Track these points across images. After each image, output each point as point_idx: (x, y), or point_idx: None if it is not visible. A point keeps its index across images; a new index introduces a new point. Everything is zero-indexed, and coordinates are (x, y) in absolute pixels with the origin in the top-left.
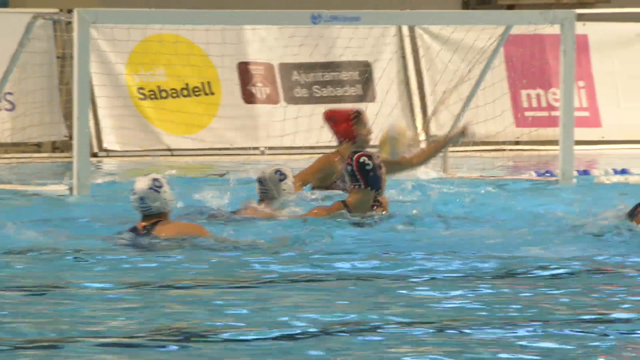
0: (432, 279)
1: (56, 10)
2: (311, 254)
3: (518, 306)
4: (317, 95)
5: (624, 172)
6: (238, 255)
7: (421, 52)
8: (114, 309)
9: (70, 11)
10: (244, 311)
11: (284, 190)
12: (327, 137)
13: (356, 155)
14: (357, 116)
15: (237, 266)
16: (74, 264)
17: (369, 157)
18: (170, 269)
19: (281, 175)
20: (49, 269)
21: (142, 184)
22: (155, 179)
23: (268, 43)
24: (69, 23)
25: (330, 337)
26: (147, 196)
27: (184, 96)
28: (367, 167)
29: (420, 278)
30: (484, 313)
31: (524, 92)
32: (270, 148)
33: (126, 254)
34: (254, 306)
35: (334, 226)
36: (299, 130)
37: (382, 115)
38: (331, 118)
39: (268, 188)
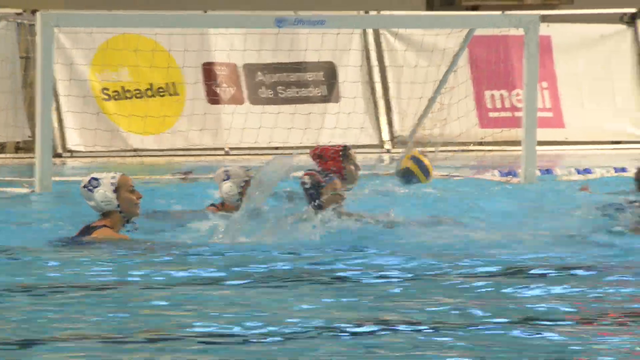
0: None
1: (20, 10)
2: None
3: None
4: (282, 95)
5: (587, 171)
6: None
7: (385, 52)
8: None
9: (34, 12)
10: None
11: (223, 191)
12: (291, 138)
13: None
14: (345, 152)
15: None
16: (27, 263)
17: (309, 176)
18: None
19: (224, 176)
20: (5, 269)
21: (83, 182)
22: (93, 178)
23: (233, 44)
24: (32, 25)
25: (320, 337)
26: (82, 194)
27: (149, 96)
28: (305, 186)
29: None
30: (479, 313)
31: (487, 93)
32: (235, 148)
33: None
34: (239, 306)
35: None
36: (263, 131)
37: (346, 115)
38: (319, 156)
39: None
